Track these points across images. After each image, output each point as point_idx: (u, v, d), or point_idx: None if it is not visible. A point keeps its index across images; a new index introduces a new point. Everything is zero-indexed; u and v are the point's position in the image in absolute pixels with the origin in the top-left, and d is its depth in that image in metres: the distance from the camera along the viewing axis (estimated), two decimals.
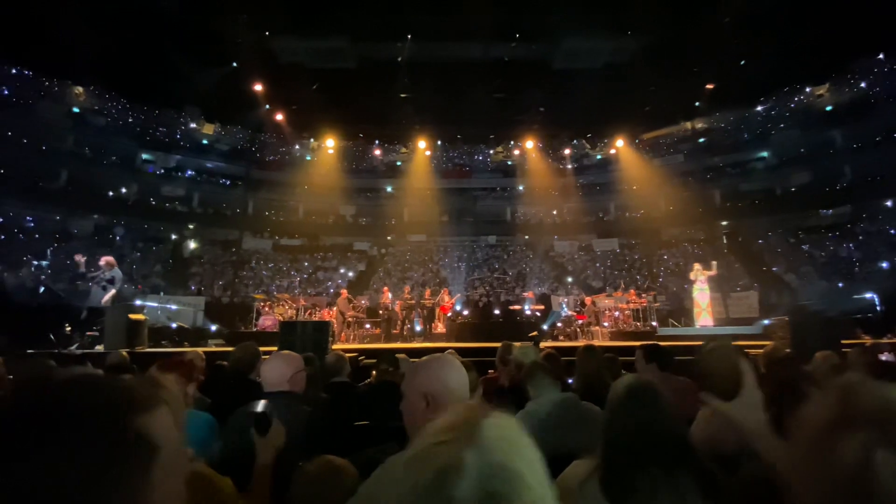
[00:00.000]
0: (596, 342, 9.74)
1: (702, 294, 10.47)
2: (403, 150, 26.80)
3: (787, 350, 4.50)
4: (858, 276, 16.57)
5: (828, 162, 21.51)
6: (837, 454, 0.48)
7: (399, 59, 18.39)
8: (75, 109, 21.94)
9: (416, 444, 0.46)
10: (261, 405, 1.58)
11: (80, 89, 21.81)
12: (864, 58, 20.03)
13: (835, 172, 21.26)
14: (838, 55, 19.00)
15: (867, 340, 7.72)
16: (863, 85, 20.99)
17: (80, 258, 7.55)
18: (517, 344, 3.62)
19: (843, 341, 6.09)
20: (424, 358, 1.36)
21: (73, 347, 6.84)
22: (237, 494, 1.33)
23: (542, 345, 8.42)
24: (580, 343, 9.37)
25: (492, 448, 0.43)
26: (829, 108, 21.84)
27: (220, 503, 1.26)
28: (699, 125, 24.71)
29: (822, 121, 21.75)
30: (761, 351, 3.42)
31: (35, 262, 16.33)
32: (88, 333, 7.26)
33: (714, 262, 10.89)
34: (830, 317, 6.92)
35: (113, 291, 7.46)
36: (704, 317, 10.38)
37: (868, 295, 13.29)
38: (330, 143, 24.50)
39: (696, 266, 10.77)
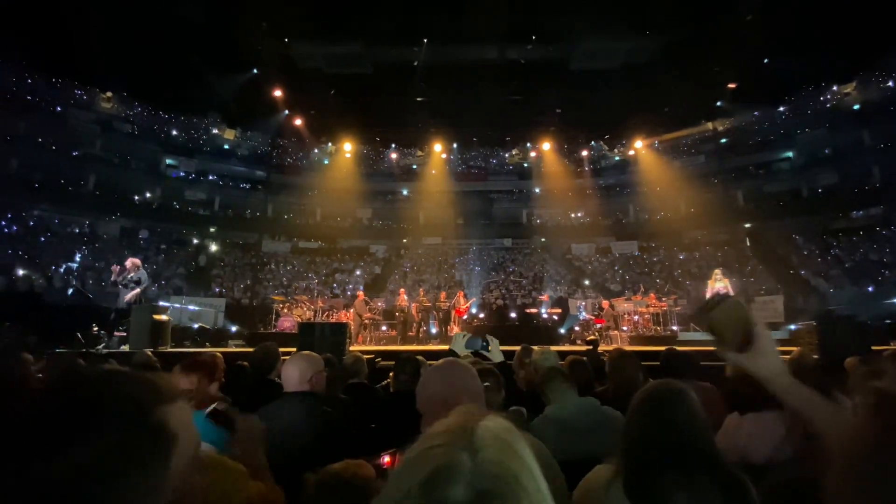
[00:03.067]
0: (614, 346, 9.61)
1: None
2: (419, 153, 26.95)
3: (815, 356, 4.37)
4: (889, 280, 16.00)
5: (856, 162, 20.86)
6: (890, 471, 0.46)
7: (415, 62, 18.51)
8: (103, 116, 22.68)
9: (413, 449, 0.46)
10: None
11: (108, 94, 22.53)
12: (892, 55, 19.38)
13: (863, 173, 20.63)
14: (865, 52, 18.43)
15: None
16: (891, 83, 20.32)
17: (115, 267, 7.86)
18: (536, 348, 3.60)
19: (874, 347, 5.89)
20: (438, 362, 1.38)
21: (100, 347, 7.04)
22: (248, 477, 1.34)
23: (557, 348, 8.33)
24: (607, 347, 9.25)
25: (486, 450, 0.43)
26: (856, 107, 21.19)
27: (232, 485, 1.27)
28: (721, 125, 24.22)
29: (849, 120, 21.11)
30: (787, 357, 3.33)
31: (64, 264, 16.88)
32: (116, 334, 7.47)
33: (720, 275, 10.24)
34: (860, 322, 6.69)
35: (137, 290, 7.62)
36: None
37: None
38: (347, 148, 24.80)
39: (717, 272, 10.27)
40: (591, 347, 4.72)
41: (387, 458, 1.29)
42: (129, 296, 7.58)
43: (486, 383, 1.99)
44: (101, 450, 0.50)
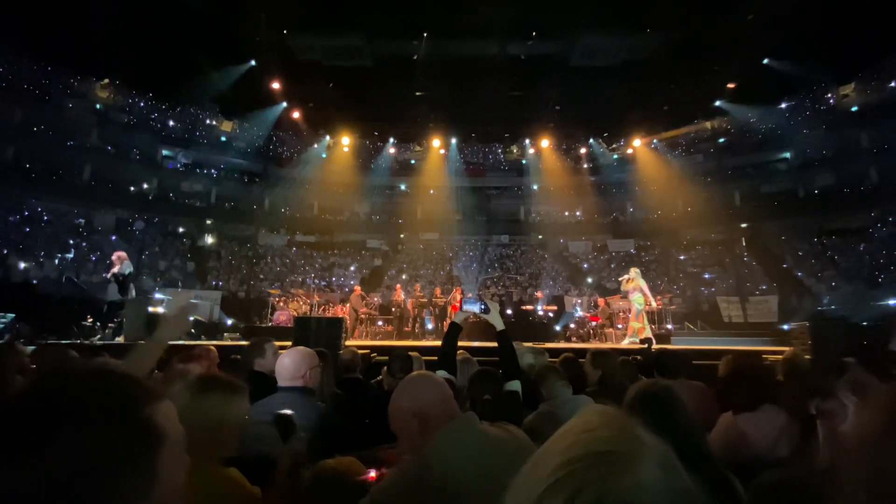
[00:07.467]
0: (609, 344, 9.66)
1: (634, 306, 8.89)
2: (418, 148, 26.84)
3: (807, 357, 4.41)
4: (883, 281, 16.11)
5: (853, 164, 20.90)
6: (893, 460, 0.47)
7: (415, 56, 18.39)
8: (99, 106, 22.48)
9: (570, 446, 0.44)
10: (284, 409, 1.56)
11: (105, 81, 22.25)
12: (892, 57, 19.40)
13: (860, 174, 20.67)
14: (865, 53, 18.46)
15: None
16: (891, 84, 20.34)
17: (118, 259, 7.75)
18: (527, 344, 3.62)
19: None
20: (406, 378, 1.37)
21: (96, 339, 7.02)
22: (248, 483, 1.34)
23: (553, 346, 8.36)
24: (592, 345, 9.29)
25: (668, 469, 0.43)
26: (854, 109, 21.22)
27: (228, 492, 1.27)
28: (719, 125, 24.23)
29: (847, 121, 21.11)
30: (780, 357, 3.35)
31: (59, 255, 16.78)
32: (109, 325, 7.44)
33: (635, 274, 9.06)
34: (853, 323, 6.73)
35: (118, 272, 7.50)
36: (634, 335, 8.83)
37: (892, 301, 12.91)
38: (345, 141, 24.67)
39: (633, 271, 9.25)
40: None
41: (372, 474, 1.27)
42: (112, 272, 7.49)
43: (486, 396, 1.99)
44: (86, 449, 0.49)
